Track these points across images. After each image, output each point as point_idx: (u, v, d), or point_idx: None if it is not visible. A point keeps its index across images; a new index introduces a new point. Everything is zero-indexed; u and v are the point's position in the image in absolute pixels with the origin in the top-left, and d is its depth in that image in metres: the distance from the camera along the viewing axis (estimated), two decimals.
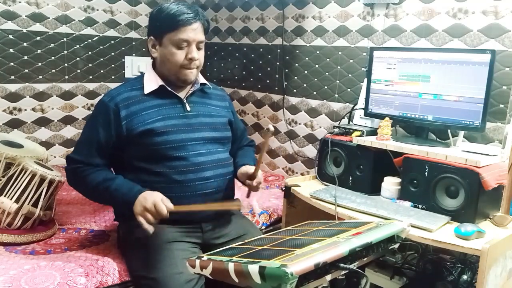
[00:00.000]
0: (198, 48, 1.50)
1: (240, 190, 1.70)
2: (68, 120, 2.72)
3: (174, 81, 1.53)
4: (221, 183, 1.54)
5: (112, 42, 2.82)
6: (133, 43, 2.90)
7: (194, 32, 1.46)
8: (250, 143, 1.84)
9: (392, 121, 1.85)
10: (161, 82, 1.52)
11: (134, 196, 1.39)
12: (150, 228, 1.35)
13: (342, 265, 0.93)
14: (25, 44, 2.50)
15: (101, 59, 2.79)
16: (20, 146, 1.95)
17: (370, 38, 2.20)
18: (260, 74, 2.79)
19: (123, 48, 2.87)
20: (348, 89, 2.31)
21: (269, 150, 2.76)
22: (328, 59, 2.38)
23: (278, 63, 2.66)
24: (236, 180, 1.65)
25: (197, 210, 1.44)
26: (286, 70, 2.60)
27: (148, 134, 1.45)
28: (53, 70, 2.62)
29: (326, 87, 2.41)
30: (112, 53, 2.83)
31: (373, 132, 1.95)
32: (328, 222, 1.24)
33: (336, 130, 2.05)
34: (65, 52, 2.64)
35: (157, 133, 1.46)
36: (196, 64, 1.50)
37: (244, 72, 2.89)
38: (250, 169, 1.54)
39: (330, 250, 0.91)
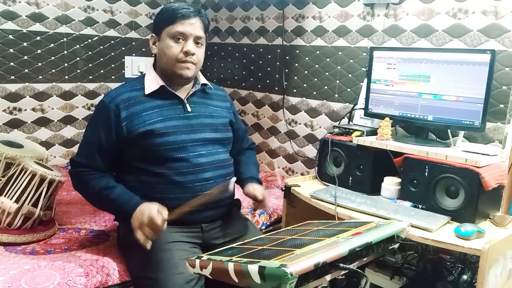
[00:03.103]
0: (197, 44, 1.50)
1: (240, 190, 1.70)
2: (68, 120, 2.72)
3: (171, 76, 1.51)
4: (221, 184, 1.54)
5: (112, 42, 2.82)
6: (133, 43, 2.90)
7: (192, 26, 1.47)
8: (251, 146, 1.84)
9: (392, 121, 1.85)
10: (161, 83, 1.51)
11: (132, 208, 1.39)
12: (148, 244, 1.33)
13: (342, 265, 0.93)
14: (25, 44, 2.50)
15: (101, 59, 2.79)
16: (20, 146, 1.95)
17: (370, 38, 2.20)
18: (260, 74, 2.79)
19: (123, 48, 2.87)
20: (348, 89, 2.31)
21: (269, 150, 2.77)
22: (328, 59, 2.38)
23: (278, 63, 2.66)
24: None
25: (190, 208, 1.39)
26: (286, 70, 2.60)
27: (148, 135, 1.45)
28: (53, 70, 2.62)
29: (326, 87, 2.41)
30: (112, 53, 2.83)
31: (373, 132, 1.95)
32: (328, 222, 1.24)
33: (336, 130, 2.05)
34: (65, 52, 2.64)
35: (158, 134, 1.45)
36: (194, 60, 1.49)
37: (244, 72, 2.89)
38: (259, 194, 1.57)
39: (330, 250, 0.91)
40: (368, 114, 2.02)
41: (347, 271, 0.96)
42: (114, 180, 1.48)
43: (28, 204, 1.62)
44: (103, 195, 1.44)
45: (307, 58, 2.49)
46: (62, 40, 2.62)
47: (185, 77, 1.51)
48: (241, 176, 1.67)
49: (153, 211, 1.33)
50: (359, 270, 0.96)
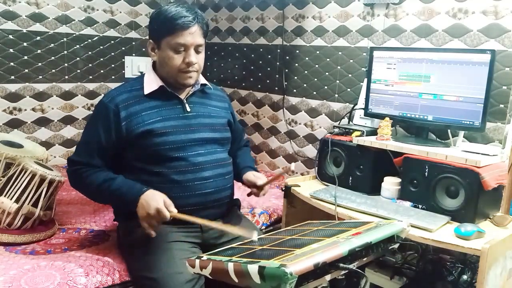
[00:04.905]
0: (197, 52, 1.49)
1: (239, 190, 1.70)
2: (68, 120, 2.72)
3: (173, 84, 1.53)
4: (220, 183, 1.54)
5: (112, 42, 2.82)
6: (133, 43, 2.90)
7: (192, 36, 1.45)
8: (247, 144, 1.87)
9: (392, 121, 1.85)
10: (161, 83, 1.52)
11: (135, 197, 1.39)
12: (153, 233, 1.37)
13: (341, 265, 0.93)
14: (25, 44, 2.50)
15: (101, 59, 2.79)
16: (20, 146, 1.95)
17: (370, 38, 2.19)
18: (260, 74, 2.79)
19: (123, 48, 2.87)
20: (348, 89, 2.31)
21: (269, 150, 2.77)
22: (328, 59, 2.38)
23: (278, 63, 2.66)
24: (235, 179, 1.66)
25: (200, 223, 1.40)
26: (286, 70, 2.60)
27: (147, 134, 1.45)
28: (53, 70, 2.62)
29: (326, 87, 2.41)
30: (112, 53, 2.83)
31: (373, 132, 1.95)
32: (328, 222, 1.24)
33: (336, 130, 2.05)
34: (65, 52, 2.64)
35: (157, 134, 1.46)
36: (195, 68, 1.49)
37: (244, 72, 2.89)
38: (258, 180, 1.57)
39: (329, 250, 0.91)
40: (368, 114, 2.02)
41: (347, 271, 0.96)
42: (113, 173, 1.48)
43: (28, 204, 1.62)
44: (104, 187, 1.44)
45: (307, 58, 2.48)
46: (62, 40, 2.62)
47: (188, 86, 1.54)
48: (239, 166, 1.68)
49: (160, 203, 1.35)
50: (359, 270, 0.96)
